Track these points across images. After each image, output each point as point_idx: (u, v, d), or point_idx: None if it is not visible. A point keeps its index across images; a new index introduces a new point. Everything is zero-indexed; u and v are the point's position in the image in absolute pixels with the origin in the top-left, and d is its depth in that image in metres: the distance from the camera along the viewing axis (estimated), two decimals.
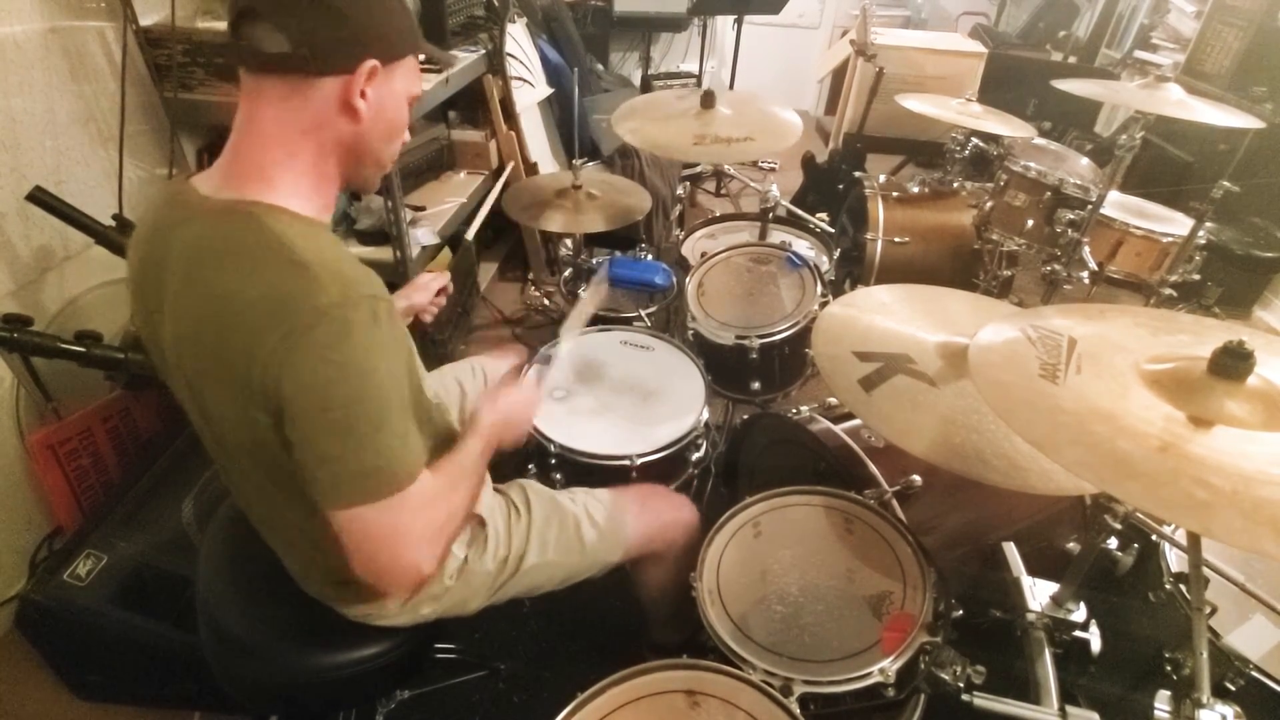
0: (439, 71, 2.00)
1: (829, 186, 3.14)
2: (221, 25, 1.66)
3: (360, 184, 0.87)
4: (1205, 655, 0.78)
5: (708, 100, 1.68)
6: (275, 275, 0.69)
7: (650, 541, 1.16)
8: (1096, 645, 1.03)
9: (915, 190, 2.40)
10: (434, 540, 0.78)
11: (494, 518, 1.07)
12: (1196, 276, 2.08)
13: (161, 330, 0.80)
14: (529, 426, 1.07)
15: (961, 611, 0.98)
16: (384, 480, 0.72)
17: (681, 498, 1.27)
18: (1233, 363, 0.70)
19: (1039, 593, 1.06)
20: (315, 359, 0.68)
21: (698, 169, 3.69)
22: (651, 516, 1.17)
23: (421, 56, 0.87)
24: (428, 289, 1.24)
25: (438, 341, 2.17)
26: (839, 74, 4.02)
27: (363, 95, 0.76)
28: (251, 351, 0.68)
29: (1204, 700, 0.78)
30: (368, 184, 0.89)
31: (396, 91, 0.81)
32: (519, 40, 2.77)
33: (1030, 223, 2.12)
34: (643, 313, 1.83)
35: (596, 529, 1.11)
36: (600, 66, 3.73)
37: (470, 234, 1.30)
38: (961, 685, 0.90)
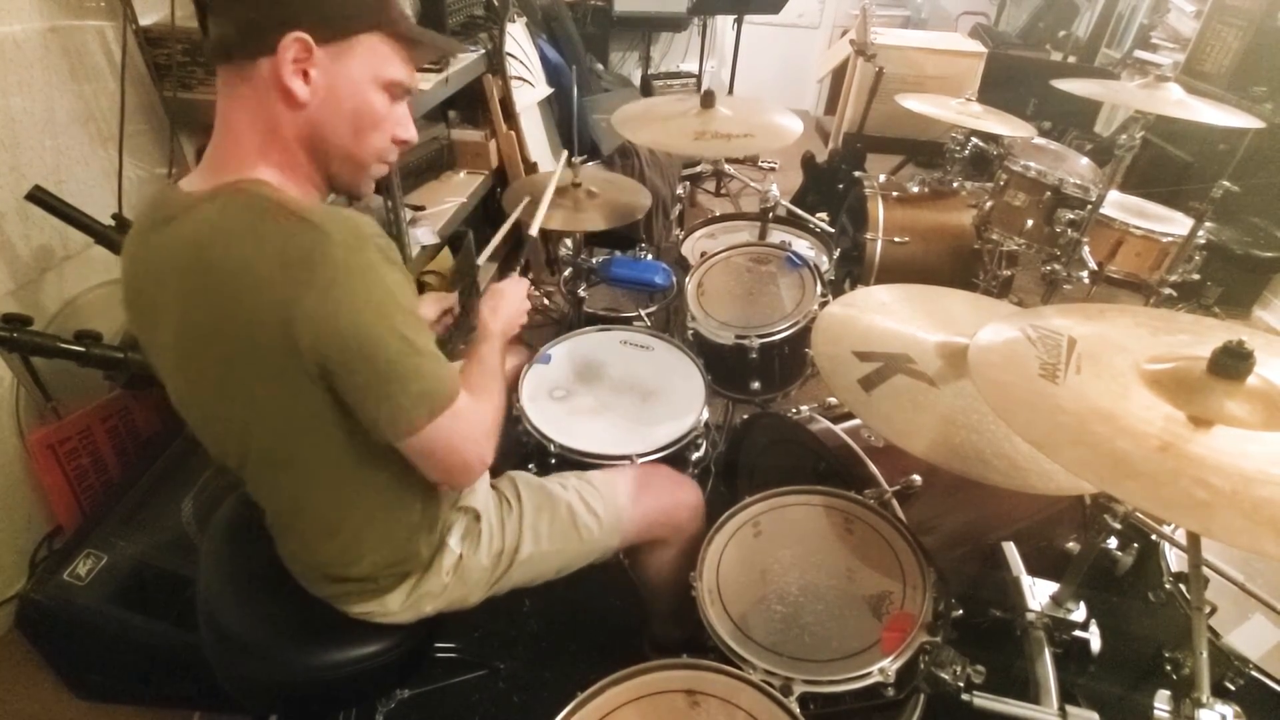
0: (439, 71, 2.00)
1: (829, 186, 3.14)
2: None
3: (342, 186, 0.83)
4: (1205, 655, 0.78)
5: (707, 100, 1.68)
6: (283, 234, 0.69)
7: (652, 525, 1.15)
8: (1096, 645, 1.03)
9: (915, 190, 2.40)
10: (490, 436, 0.88)
11: (488, 512, 1.07)
12: (1196, 276, 2.09)
13: (162, 333, 0.79)
14: (525, 316, 1.15)
15: (961, 611, 0.99)
16: (439, 398, 0.78)
17: (685, 478, 1.26)
18: (1232, 362, 0.70)
19: (1039, 592, 1.06)
20: (354, 304, 0.70)
21: (698, 169, 3.69)
22: (652, 498, 1.16)
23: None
24: (431, 308, 1.23)
25: (437, 341, 2.17)
26: (839, 74, 4.02)
27: (304, 77, 0.73)
28: (288, 311, 0.69)
29: (1204, 700, 0.78)
30: (351, 186, 0.84)
31: (353, 75, 0.75)
32: (519, 40, 2.77)
33: (1030, 222, 2.12)
34: (642, 312, 1.83)
35: (592, 514, 1.11)
36: (600, 66, 3.72)
37: (483, 259, 1.32)
38: (961, 685, 0.90)
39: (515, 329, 1.12)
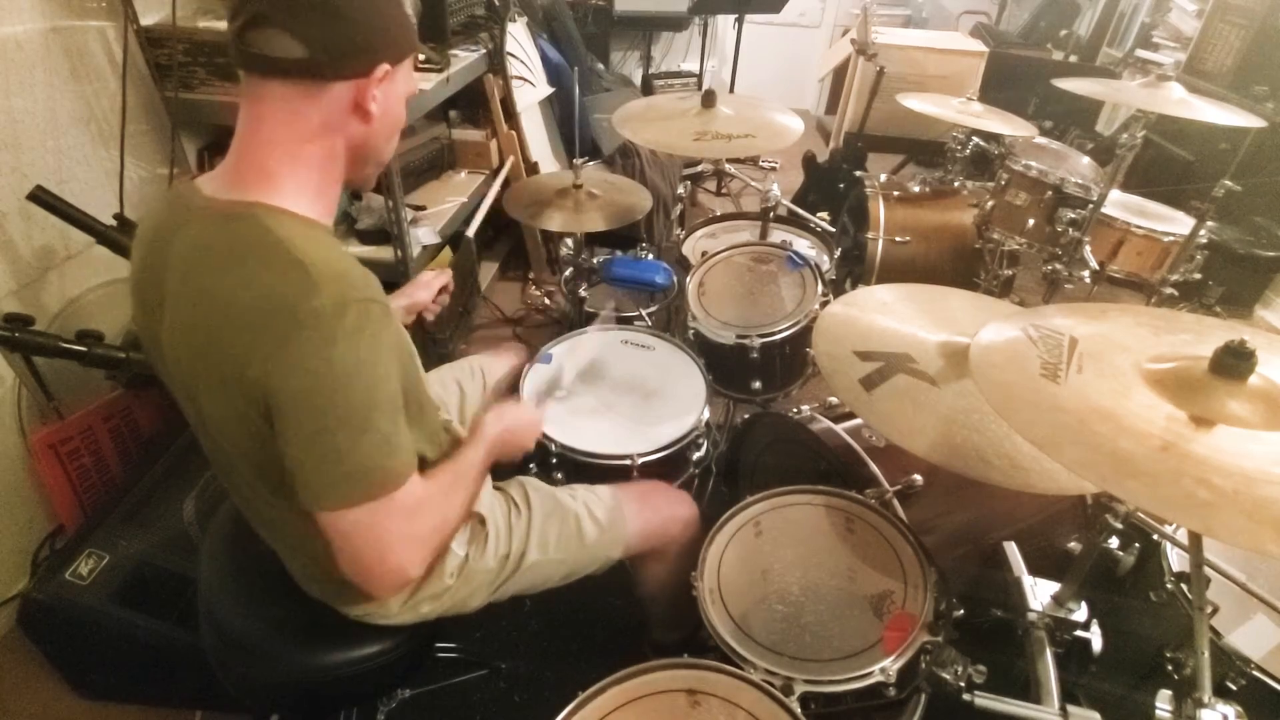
0: (439, 71, 2.00)
1: (830, 186, 3.14)
2: (222, 25, 1.66)
3: (361, 182, 0.89)
4: (1206, 655, 0.78)
5: (708, 100, 1.68)
6: (273, 277, 0.69)
7: (650, 538, 1.16)
8: (1098, 645, 1.03)
9: (916, 189, 2.40)
10: (423, 544, 0.78)
11: (494, 515, 1.07)
12: (1198, 276, 2.08)
13: (159, 331, 0.80)
14: (530, 445, 1.08)
15: (962, 611, 0.98)
16: (370, 483, 0.72)
17: (681, 493, 1.27)
18: (1234, 362, 0.70)
19: (1040, 592, 1.06)
20: (304, 361, 0.68)
21: (698, 168, 3.69)
22: (651, 512, 1.17)
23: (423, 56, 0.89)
24: (429, 287, 1.24)
25: (438, 341, 2.17)
26: (840, 73, 4.02)
27: (373, 98, 0.78)
28: (247, 354, 0.69)
29: (1205, 700, 0.78)
30: (368, 182, 0.90)
31: (400, 91, 0.83)
32: (519, 39, 2.77)
33: (1031, 222, 2.12)
34: (643, 312, 1.83)
35: (597, 525, 1.11)
36: (601, 66, 3.72)
37: (470, 231, 1.31)
38: (962, 685, 0.91)
39: (511, 452, 1.03)
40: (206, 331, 0.72)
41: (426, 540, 0.79)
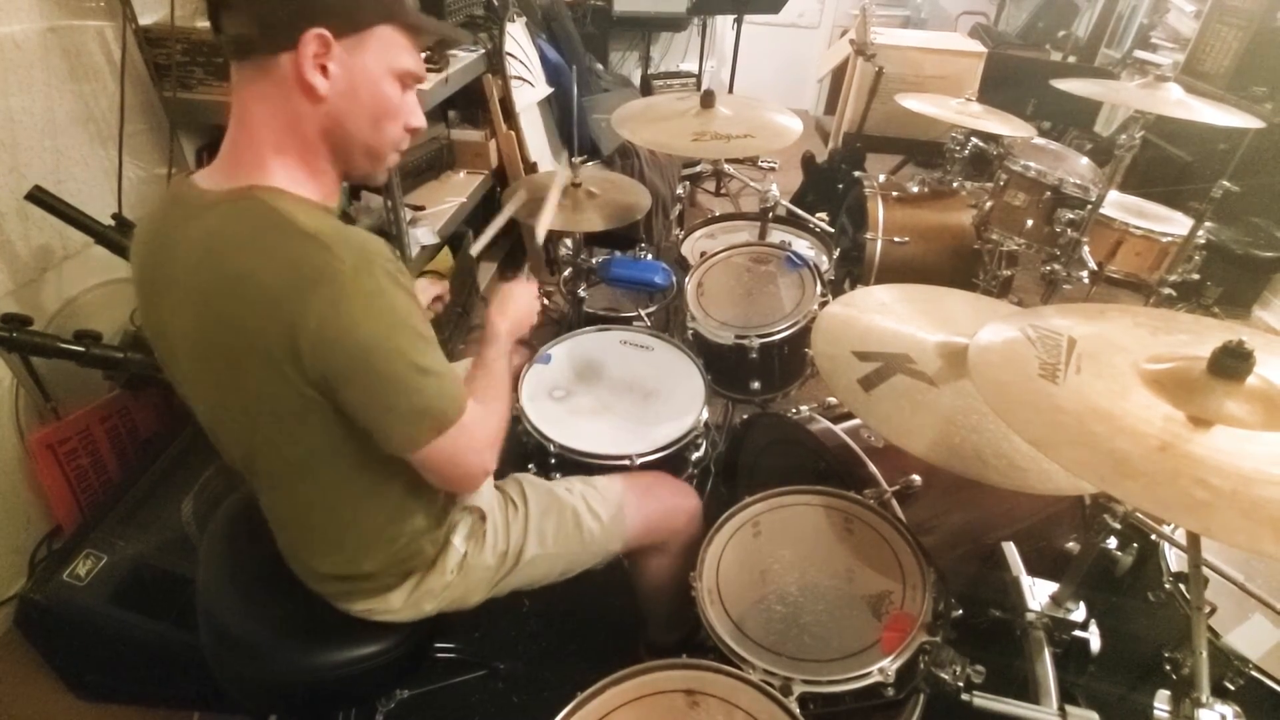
0: (439, 71, 2.00)
1: (829, 186, 3.14)
2: None
3: (359, 175, 0.84)
4: (1204, 655, 0.78)
5: (707, 100, 1.68)
6: (293, 249, 0.70)
7: (652, 531, 1.16)
8: (1096, 645, 1.03)
9: (915, 190, 2.40)
10: (494, 445, 0.90)
11: (493, 512, 1.07)
12: (1196, 276, 2.09)
13: (171, 328, 0.80)
14: (535, 317, 1.15)
15: (961, 611, 0.98)
16: (446, 413, 0.79)
17: (684, 485, 1.26)
18: (1232, 362, 0.70)
19: (1038, 592, 1.06)
20: (358, 323, 0.71)
21: (698, 168, 3.69)
22: (654, 504, 1.17)
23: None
24: (425, 293, 1.24)
25: (432, 324, 2.17)
26: (839, 73, 4.02)
27: (322, 71, 0.73)
28: (293, 325, 0.70)
29: (1203, 700, 0.78)
30: (367, 175, 0.85)
31: (369, 67, 0.76)
32: (518, 39, 2.77)
33: (1030, 222, 2.12)
34: (642, 312, 1.83)
35: (595, 518, 1.11)
36: (600, 66, 3.72)
37: (475, 249, 1.33)
38: (961, 685, 0.91)
39: (524, 330, 1.12)
40: (237, 312, 0.72)
41: (495, 440, 0.91)
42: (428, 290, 1.25)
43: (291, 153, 0.77)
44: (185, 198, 0.78)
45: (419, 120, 0.85)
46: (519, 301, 1.12)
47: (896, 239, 2.24)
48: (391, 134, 0.82)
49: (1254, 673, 0.97)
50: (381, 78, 0.78)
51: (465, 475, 0.87)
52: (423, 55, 0.86)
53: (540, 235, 1.35)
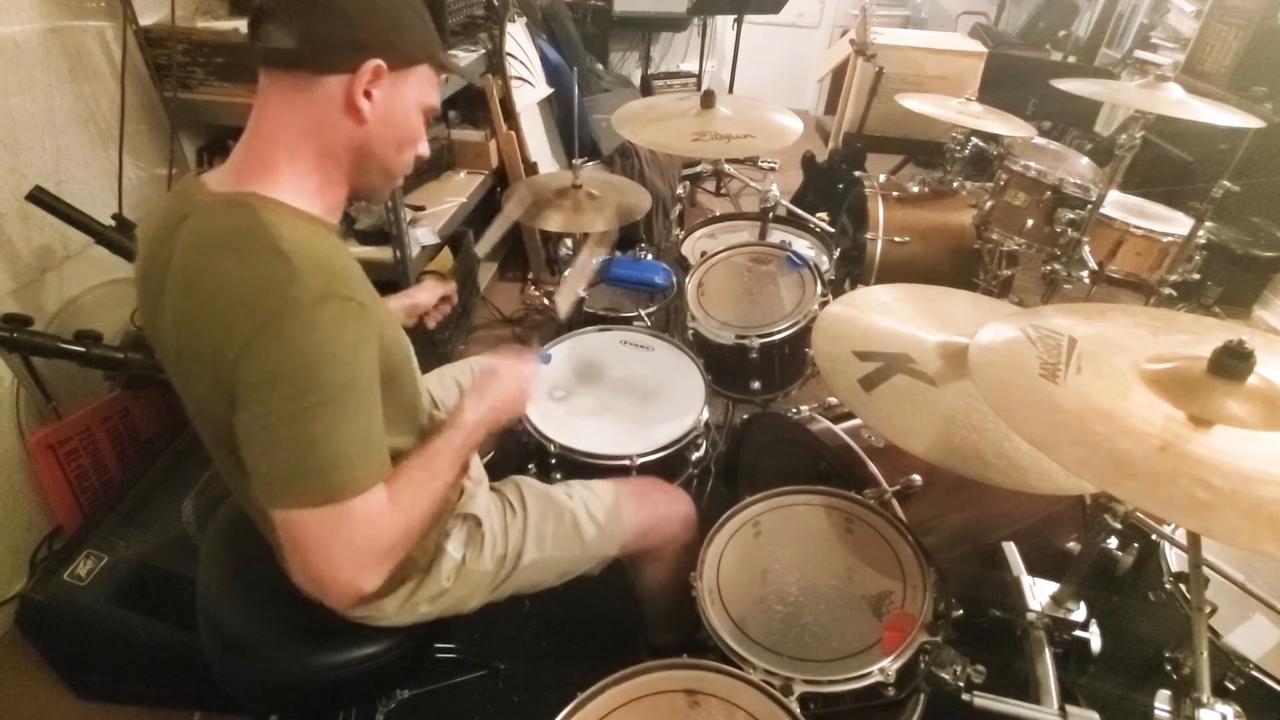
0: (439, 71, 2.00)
1: (829, 186, 3.14)
2: (221, 25, 1.67)
3: (368, 192, 0.87)
4: (1205, 655, 0.78)
5: (707, 100, 1.68)
6: (259, 263, 0.70)
7: (647, 535, 1.16)
8: (1096, 645, 1.03)
9: (915, 190, 2.40)
10: (379, 559, 0.73)
11: (490, 517, 1.07)
12: (1196, 276, 2.09)
13: (162, 321, 0.80)
14: (524, 408, 1.03)
15: (961, 611, 0.98)
16: (325, 487, 0.68)
17: (679, 491, 1.26)
18: (1233, 362, 0.70)
19: (1039, 592, 1.06)
20: (274, 349, 0.67)
21: (698, 168, 3.69)
22: (649, 510, 1.17)
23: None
24: (432, 292, 1.24)
25: (437, 341, 2.17)
26: (839, 73, 4.02)
27: (368, 96, 0.77)
28: (225, 337, 0.69)
29: (1204, 700, 0.78)
30: (375, 193, 0.89)
31: (407, 99, 0.82)
32: (519, 40, 2.77)
33: (1030, 222, 2.12)
34: (643, 312, 1.83)
35: (594, 523, 1.11)
36: (600, 66, 3.72)
37: (482, 251, 1.34)
38: (961, 685, 0.90)
39: (503, 423, 0.97)
40: (197, 317, 0.73)
41: (385, 554, 0.74)
42: (434, 291, 1.24)
43: (308, 161, 0.78)
44: (190, 195, 0.79)
45: (426, 150, 0.90)
46: (505, 386, 0.96)
47: (897, 239, 2.24)
48: (407, 159, 0.87)
49: (1255, 673, 0.97)
50: (413, 109, 0.84)
51: (325, 576, 0.71)
52: None
53: (561, 314, 1.35)
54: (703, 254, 1.82)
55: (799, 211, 2.19)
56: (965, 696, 0.90)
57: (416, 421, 0.94)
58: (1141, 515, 1.12)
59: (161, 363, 0.86)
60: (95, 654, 1.35)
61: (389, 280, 1.95)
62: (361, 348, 0.72)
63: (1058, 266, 2.05)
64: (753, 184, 3.65)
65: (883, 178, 2.49)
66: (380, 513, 0.73)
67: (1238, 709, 0.78)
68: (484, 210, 2.56)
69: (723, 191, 3.80)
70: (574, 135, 2.93)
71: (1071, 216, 1.98)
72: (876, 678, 0.91)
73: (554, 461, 1.30)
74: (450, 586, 1.00)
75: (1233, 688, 0.98)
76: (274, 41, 0.74)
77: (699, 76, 4.12)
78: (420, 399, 0.96)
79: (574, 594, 1.15)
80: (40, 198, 1.41)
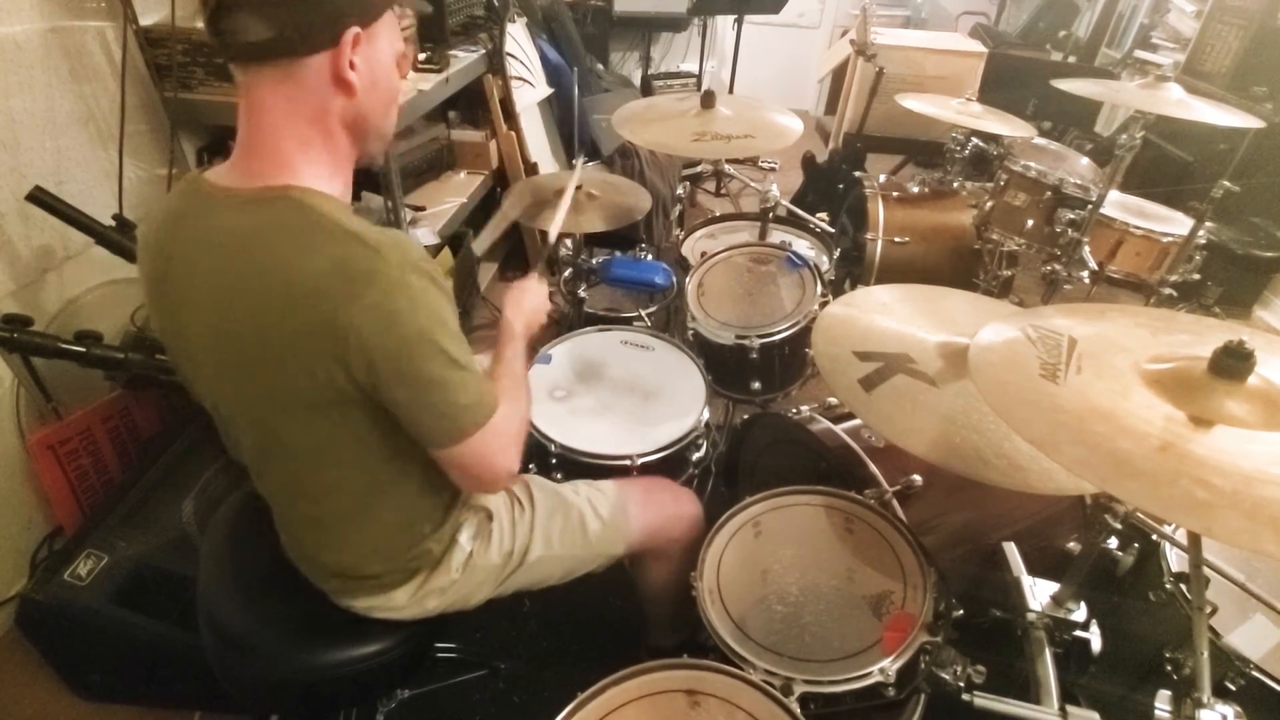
0: (439, 71, 2.00)
1: (829, 186, 3.14)
2: None
3: (366, 158, 0.88)
4: (1206, 655, 0.78)
5: (708, 100, 1.68)
6: (338, 249, 0.72)
7: (653, 535, 1.16)
8: (1097, 645, 1.03)
9: (915, 190, 2.40)
10: (519, 444, 0.92)
11: (499, 512, 1.07)
12: (1196, 276, 2.09)
13: (191, 322, 0.80)
14: (545, 315, 1.16)
15: (962, 611, 0.98)
16: (481, 411, 0.82)
17: (686, 491, 1.26)
18: (1233, 362, 0.70)
19: (1039, 592, 1.06)
20: (404, 323, 0.73)
21: (698, 169, 3.69)
22: (655, 509, 1.17)
23: (406, 23, 0.86)
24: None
25: None
26: (839, 74, 4.02)
27: (352, 66, 0.75)
28: (339, 324, 0.71)
29: (1204, 700, 0.78)
30: (374, 156, 0.89)
31: (383, 54, 0.80)
32: (519, 40, 2.77)
33: (1030, 222, 2.12)
34: (643, 312, 1.83)
35: (600, 521, 1.11)
36: (600, 66, 3.72)
37: (480, 249, 1.34)
38: (962, 685, 0.91)
39: (536, 327, 1.13)
40: (270, 310, 0.73)
41: (519, 438, 0.92)
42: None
43: (318, 148, 0.78)
44: (201, 194, 0.78)
45: (401, 98, 0.91)
46: (531, 298, 1.12)
47: (897, 239, 2.24)
48: (394, 117, 0.87)
49: (1255, 673, 0.97)
50: (390, 64, 0.82)
51: (491, 475, 0.89)
52: (422, 56, 0.88)
53: (553, 235, 1.36)
54: (703, 254, 1.82)
55: (799, 212, 2.19)
56: (965, 696, 0.90)
57: None
58: (1141, 515, 1.12)
59: (180, 362, 0.86)
60: (95, 654, 1.35)
61: None
62: (447, 296, 0.79)
63: (1058, 267, 2.05)
64: (753, 184, 3.66)
65: (883, 178, 2.49)
66: (506, 414, 0.87)
67: (1238, 709, 0.78)
68: (484, 210, 2.56)
69: (723, 192, 3.80)
70: (574, 135, 2.93)
71: (1071, 216, 1.98)
72: (877, 678, 0.91)
73: (554, 461, 1.31)
74: (458, 579, 1.01)
75: (1233, 688, 0.98)
76: (248, 35, 0.71)
77: (699, 77, 4.12)
78: None
79: (575, 594, 1.15)
80: (40, 198, 1.41)
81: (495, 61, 2.47)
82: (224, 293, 0.76)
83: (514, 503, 1.10)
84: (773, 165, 3.99)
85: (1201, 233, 1.95)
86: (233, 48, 0.73)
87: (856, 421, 1.39)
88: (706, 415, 1.39)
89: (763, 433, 1.56)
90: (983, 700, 0.90)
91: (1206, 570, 0.98)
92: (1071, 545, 1.23)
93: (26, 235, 1.49)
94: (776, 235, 1.96)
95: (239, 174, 0.77)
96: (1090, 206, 1.94)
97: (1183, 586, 1.08)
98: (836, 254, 1.94)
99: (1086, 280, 2.07)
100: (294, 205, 0.74)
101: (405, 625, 1.00)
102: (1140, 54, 3.55)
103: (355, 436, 0.82)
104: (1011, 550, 1.13)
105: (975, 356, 0.81)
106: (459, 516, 1.03)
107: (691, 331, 1.64)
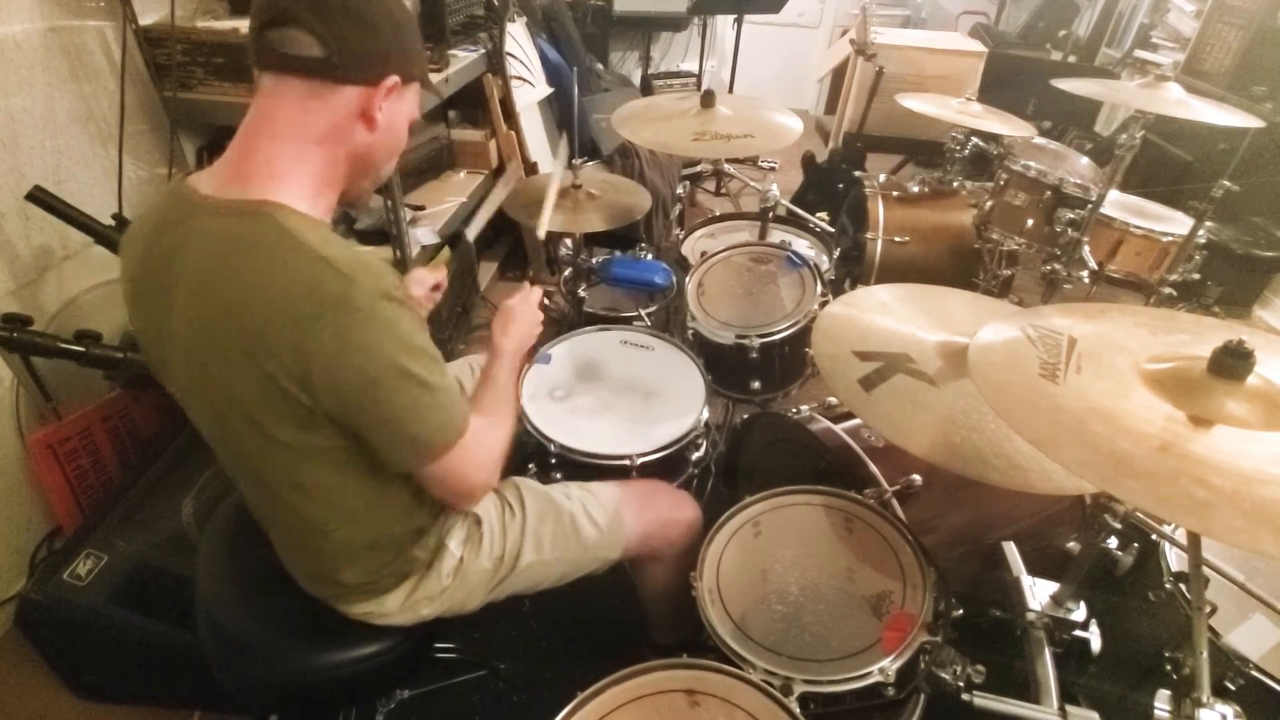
0: (439, 70, 2.00)
1: (829, 186, 3.14)
2: (221, 25, 1.67)
3: (356, 196, 0.90)
4: (1205, 655, 0.78)
5: (707, 100, 1.68)
6: (310, 273, 0.72)
7: (650, 539, 1.16)
8: (1096, 645, 1.03)
9: (915, 190, 2.40)
10: (498, 460, 0.95)
11: (489, 517, 1.07)
12: (1196, 276, 2.08)
13: (169, 327, 0.80)
14: (538, 330, 1.18)
15: (961, 611, 0.98)
16: (452, 431, 0.83)
17: (684, 495, 1.26)
18: (1233, 362, 0.70)
19: (1039, 592, 1.06)
20: (372, 351, 0.74)
21: (698, 168, 3.69)
22: (652, 514, 1.17)
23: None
24: (423, 283, 1.24)
25: (437, 341, 2.17)
26: (839, 73, 4.02)
27: (379, 109, 0.80)
28: (305, 349, 0.71)
29: (1204, 700, 0.78)
30: (363, 197, 0.93)
31: (404, 112, 0.86)
32: (519, 39, 2.77)
33: (1030, 222, 2.12)
34: (643, 312, 1.83)
35: (595, 526, 1.11)
36: (600, 66, 3.72)
37: (471, 235, 1.35)
38: (961, 685, 0.91)
39: (528, 346, 1.14)
40: (241, 321, 0.73)
41: (498, 455, 0.95)
42: (425, 280, 1.24)
43: (314, 167, 0.79)
44: (186, 199, 0.78)
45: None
46: (521, 318, 1.13)
47: (897, 239, 2.24)
48: (392, 167, 0.93)
49: (1254, 673, 0.97)
50: (404, 122, 0.88)
51: (468, 490, 0.91)
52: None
53: (541, 233, 1.36)
54: (703, 254, 1.82)
55: (799, 211, 2.18)
56: (965, 696, 0.90)
57: None
58: (1141, 515, 1.12)
59: (158, 368, 0.87)
60: (95, 654, 1.35)
61: None
62: (417, 318, 0.81)
63: (1058, 266, 2.05)
64: (753, 184, 3.65)
65: (883, 177, 2.49)
66: (483, 430, 0.90)
67: (1238, 709, 0.78)
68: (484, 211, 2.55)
69: (723, 191, 3.80)
70: (574, 135, 2.93)
71: (1071, 216, 1.98)
72: (876, 678, 0.91)
73: (554, 461, 1.30)
74: (450, 585, 1.01)
75: (1233, 688, 0.98)
76: (297, 48, 0.74)
77: (699, 76, 4.12)
78: None
79: (575, 594, 1.15)
80: (40, 197, 1.41)
81: (495, 61, 2.47)
82: (198, 303, 0.76)
83: (504, 507, 1.10)
84: (773, 165, 3.99)
85: (1201, 232, 1.94)
86: (272, 55, 0.75)
87: (856, 421, 1.39)
88: (706, 415, 1.39)
89: (762, 432, 1.56)
90: (982, 700, 0.90)
91: (1206, 570, 0.98)
92: (1071, 545, 1.23)
93: (26, 234, 1.49)
94: (776, 235, 1.96)
95: (225, 179, 0.78)
96: (1090, 206, 1.94)
97: (1182, 586, 1.08)
98: (836, 253, 1.94)
99: (1086, 280, 2.07)
100: (268, 221, 0.74)
101: (404, 627, 1.00)
102: (1140, 54, 3.55)
103: (327, 449, 0.81)
104: (1011, 550, 1.13)
105: (975, 356, 0.81)
106: (446, 522, 1.02)
107: (691, 331, 1.64)
